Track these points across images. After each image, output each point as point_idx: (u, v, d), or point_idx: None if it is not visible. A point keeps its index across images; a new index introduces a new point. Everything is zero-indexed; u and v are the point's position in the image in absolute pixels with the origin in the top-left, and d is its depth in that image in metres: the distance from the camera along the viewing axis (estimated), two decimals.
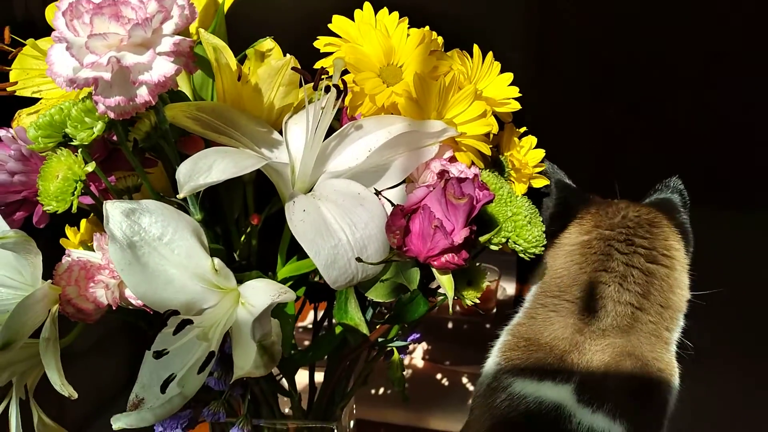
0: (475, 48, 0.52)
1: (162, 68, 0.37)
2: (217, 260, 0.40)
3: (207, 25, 0.55)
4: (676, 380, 0.52)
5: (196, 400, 0.53)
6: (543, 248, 0.49)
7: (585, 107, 0.98)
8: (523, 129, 0.58)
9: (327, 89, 0.46)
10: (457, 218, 0.40)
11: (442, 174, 0.44)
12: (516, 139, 0.55)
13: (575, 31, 0.97)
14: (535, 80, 0.68)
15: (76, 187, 0.39)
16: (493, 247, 0.47)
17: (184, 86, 0.52)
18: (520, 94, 0.53)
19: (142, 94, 0.37)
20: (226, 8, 0.53)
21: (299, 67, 0.47)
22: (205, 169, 0.40)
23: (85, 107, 0.38)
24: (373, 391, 0.89)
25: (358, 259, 0.41)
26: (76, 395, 0.42)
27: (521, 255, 0.49)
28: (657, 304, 0.53)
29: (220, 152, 0.41)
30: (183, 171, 0.39)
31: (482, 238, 0.43)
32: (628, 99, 0.97)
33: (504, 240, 0.47)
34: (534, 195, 0.55)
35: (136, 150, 0.45)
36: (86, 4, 0.36)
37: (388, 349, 0.56)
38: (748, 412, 0.79)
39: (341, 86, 0.45)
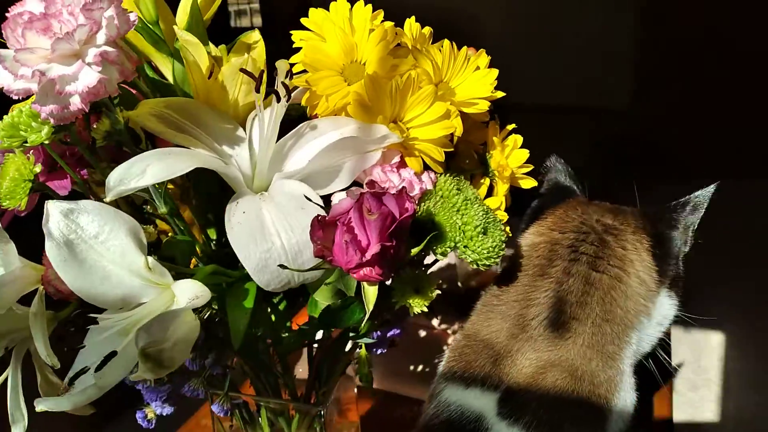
0: (446, 44, 0.49)
1: (86, 78, 0.39)
2: (150, 258, 0.42)
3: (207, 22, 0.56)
4: (618, 397, 0.48)
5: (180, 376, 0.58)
6: (498, 259, 0.47)
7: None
8: (511, 126, 0.55)
9: (287, 89, 0.47)
10: (371, 233, 0.39)
11: (371, 184, 0.43)
12: (495, 138, 0.52)
13: None
14: None
15: (24, 187, 0.42)
16: (440, 257, 0.46)
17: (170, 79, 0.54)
18: (496, 91, 0.50)
19: (75, 103, 0.40)
20: (208, 15, 0.54)
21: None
22: (138, 173, 0.42)
23: (31, 112, 0.41)
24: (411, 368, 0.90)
25: (282, 266, 0.42)
26: (59, 365, 0.47)
27: (478, 266, 0.47)
28: (596, 316, 0.49)
29: (155, 155, 0.43)
30: (114, 176, 0.41)
31: (414, 250, 0.42)
32: None
33: (450, 249, 0.45)
34: None
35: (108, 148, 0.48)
36: (20, 18, 0.38)
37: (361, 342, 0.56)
38: None
39: (290, 86, 0.45)
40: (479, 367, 0.50)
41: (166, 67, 0.54)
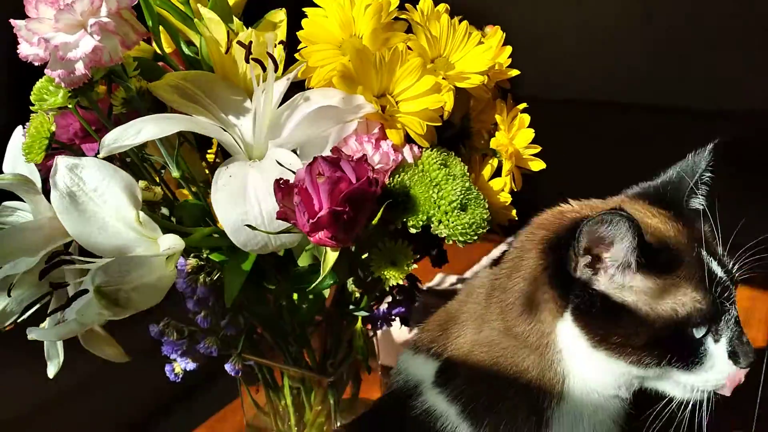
0: (443, 18, 0.49)
1: (86, 45, 0.43)
2: (141, 213, 0.46)
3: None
4: (558, 388, 0.45)
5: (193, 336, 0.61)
6: (476, 237, 0.46)
7: None
8: (522, 106, 0.53)
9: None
10: (321, 196, 0.40)
11: (335, 151, 0.44)
12: (499, 117, 0.51)
13: None
14: None
15: (41, 144, 0.47)
16: (412, 230, 0.45)
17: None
18: (508, 69, 0.49)
19: (79, 68, 0.44)
20: None
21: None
22: (133, 134, 0.45)
23: (48, 78, 0.47)
24: None
25: (249, 226, 0.44)
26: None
27: (456, 243, 0.46)
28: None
29: (152, 119, 0.47)
30: (110, 136, 0.45)
31: (374, 220, 0.42)
32: None
33: (422, 223, 0.45)
34: None
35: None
36: None
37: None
38: None
39: (276, 57, 0.47)
40: (429, 332, 0.50)
41: (198, 42, 0.58)
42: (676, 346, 0.44)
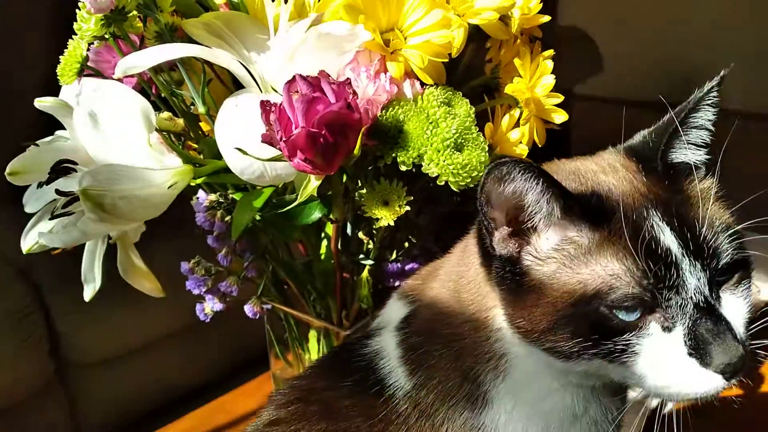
0: None
1: None
2: (152, 136, 0.48)
3: None
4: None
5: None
6: (469, 180, 0.43)
7: None
8: (549, 52, 0.49)
9: None
10: (296, 115, 0.39)
11: (321, 73, 0.43)
12: (517, 60, 0.48)
13: None
14: None
15: (73, 67, 0.51)
16: (403, 167, 0.44)
17: None
18: (512, 1, 0.46)
19: None
20: None
21: None
22: (147, 58, 0.48)
23: (83, 5, 0.50)
24: None
25: (239, 149, 0.44)
26: None
27: (450, 184, 0.44)
28: None
29: (163, 46, 0.49)
30: (127, 59, 0.48)
31: (356, 149, 0.41)
32: None
33: (413, 159, 0.43)
34: None
35: None
36: None
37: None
38: None
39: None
40: (415, 280, 0.48)
41: None
42: (598, 330, 0.35)
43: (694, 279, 0.35)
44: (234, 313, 0.63)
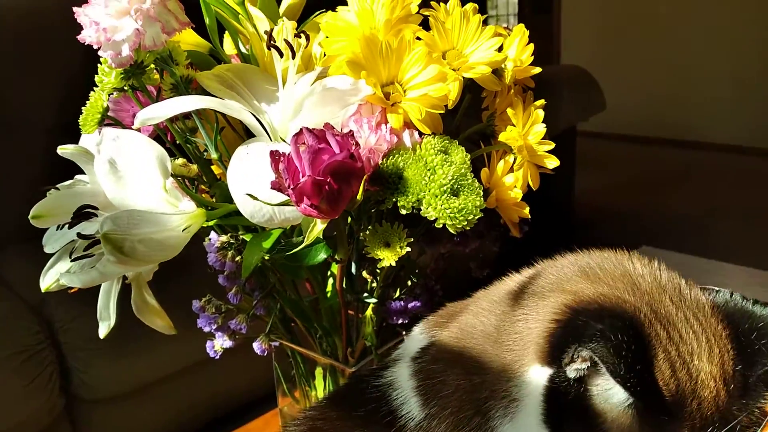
0: (456, 10, 0.50)
1: (128, 29, 0.49)
2: (167, 182, 0.51)
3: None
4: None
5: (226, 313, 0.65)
6: (465, 223, 0.46)
7: None
8: (540, 102, 0.53)
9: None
10: (304, 165, 0.42)
11: (327, 126, 0.46)
12: (510, 110, 0.51)
13: None
14: None
15: (95, 117, 0.54)
16: (403, 211, 0.47)
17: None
18: (503, 56, 0.49)
19: (125, 50, 0.50)
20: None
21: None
22: (164, 109, 0.51)
23: (104, 60, 0.53)
24: None
25: (249, 195, 0.47)
26: None
27: (447, 227, 0.47)
28: None
29: (180, 99, 0.52)
30: (145, 111, 0.51)
31: (359, 195, 0.44)
32: None
33: (412, 204, 0.46)
34: None
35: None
36: None
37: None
38: None
39: (292, 45, 0.51)
40: (439, 315, 0.50)
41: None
42: None
43: None
44: (242, 352, 0.66)
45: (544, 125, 0.50)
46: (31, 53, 1.51)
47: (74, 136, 0.61)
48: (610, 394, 0.38)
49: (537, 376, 0.40)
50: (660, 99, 3.73)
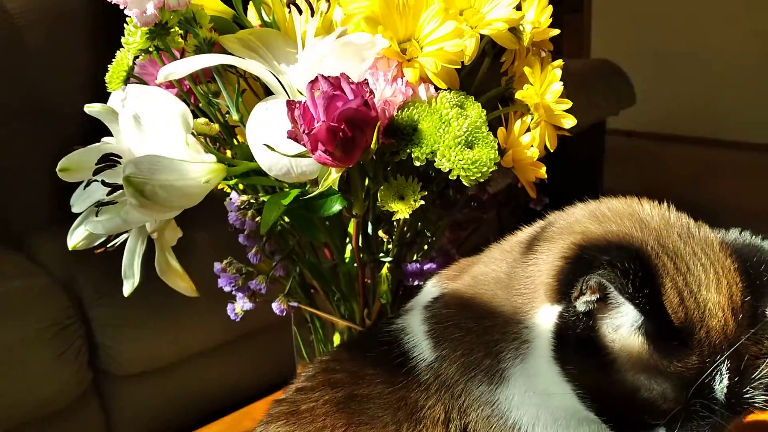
0: None
1: None
2: (189, 136, 0.52)
3: None
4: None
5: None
6: (479, 175, 0.46)
7: None
8: (558, 62, 0.53)
9: None
10: (318, 110, 0.43)
11: (342, 75, 0.46)
12: (527, 68, 0.51)
13: None
14: None
15: (120, 75, 0.56)
16: (417, 162, 0.47)
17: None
18: (521, 14, 0.49)
19: (149, 8, 0.52)
20: None
21: None
22: (184, 65, 0.52)
23: (130, 20, 0.55)
24: None
25: (267, 145, 0.48)
26: None
27: (461, 179, 0.47)
28: None
29: (200, 56, 0.54)
30: (167, 67, 0.52)
31: (372, 144, 0.45)
32: None
33: (426, 155, 0.47)
34: None
35: None
36: None
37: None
38: None
39: (311, 3, 0.52)
40: (453, 269, 0.50)
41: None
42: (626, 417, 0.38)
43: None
44: (264, 332, 0.66)
45: (562, 83, 0.51)
46: (63, 48, 1.55)
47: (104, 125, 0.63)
48: (619, 322, 0.38)
49: (547, 316, 0.40)
50: (692, 97, 3.67)
